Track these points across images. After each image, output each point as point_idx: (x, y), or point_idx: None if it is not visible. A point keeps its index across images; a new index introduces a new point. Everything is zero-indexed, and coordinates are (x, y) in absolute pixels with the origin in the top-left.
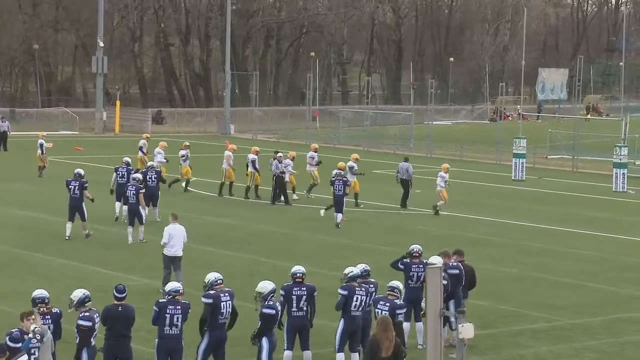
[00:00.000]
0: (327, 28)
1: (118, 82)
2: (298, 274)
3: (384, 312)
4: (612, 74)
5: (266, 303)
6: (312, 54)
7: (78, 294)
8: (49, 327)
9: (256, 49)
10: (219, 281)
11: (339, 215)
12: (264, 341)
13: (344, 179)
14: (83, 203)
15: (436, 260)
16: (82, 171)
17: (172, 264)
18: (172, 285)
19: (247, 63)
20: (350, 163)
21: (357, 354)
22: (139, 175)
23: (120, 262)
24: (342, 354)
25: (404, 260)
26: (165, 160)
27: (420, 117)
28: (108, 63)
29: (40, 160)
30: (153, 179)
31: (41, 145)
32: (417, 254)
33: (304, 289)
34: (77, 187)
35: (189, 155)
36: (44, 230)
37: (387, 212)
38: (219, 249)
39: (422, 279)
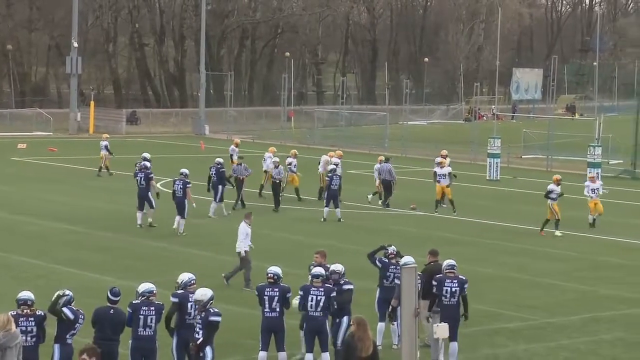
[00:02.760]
0: (301, 28)
1: (92, 82)
2: (269, 274)
3: (453, 289)
4: (585, 73)
5: (211, 310)
6: (287, 54)
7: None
8: (31, 330)
9: (231, 50)
10: (192, 282)
11: (327, 209)
12: (209, 350)
13: (339, 174)
14: (149, 193)
15: (408, 260)
16: (148, 163)
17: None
18: (146, 286)
19: (222, 63)
20: (445, 169)
21: (327, 353)
22: (185, 170)
23: (95, 263)
24: (310, 354)
25: (383, 259)
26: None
27: (395, 117)
28: (82, 63)
29: (104, 160)
30: (179, 189)
31: (105, 146)
32: (392, 255)
33: (277, 289)
34: (143, 178)
35: (296, 163)
36: (17, 230)
37: (364, 213)
38: (198, 249)
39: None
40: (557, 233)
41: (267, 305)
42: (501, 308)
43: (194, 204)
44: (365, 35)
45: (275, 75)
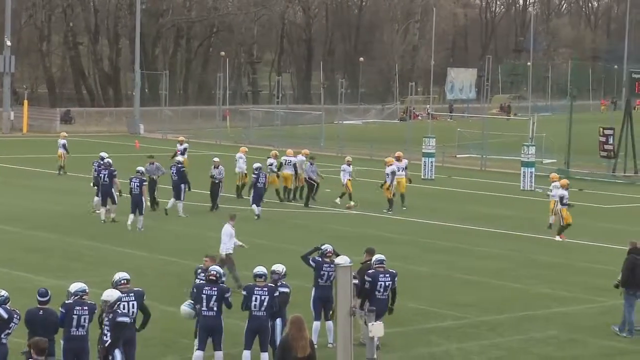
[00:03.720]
0: (237, 27)
1: (26, 81)
2: (212, 272)
3: (387, 283)
4: (519, 73)
5: (119, 311)
6: (222, 53)
7: None
8: None
9: (166, 49)
10: (123, 281)
11: (257, 208)
12: (117, 353)
13: (266, 172)
14: (112, 189)
15: (343, 259)
16: (110, 161)
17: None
18: (78, 285)
19: (157, 62)
20: (388, 169)
21: (267, 353)
22: (142, 168)
23: (29, 263)
24: (248, 351)
25: (316, 258)
26: (245, 167)
27: (330, 117)
28: (16, 62)
29: (60, 158)
30: (136, 186)
31: (63, 145)
32: (330, 254)
33: (215, 289)
34: (106, 175)
35: (276, 164)
36: None
37: (300, 212)
38: (132, 249)
39: (332, 278)
40: (558, 238)
41: (204, 304)
42: (435, 307)
43: (147, 202)
44: (301, 35)
45: (211, 74)
